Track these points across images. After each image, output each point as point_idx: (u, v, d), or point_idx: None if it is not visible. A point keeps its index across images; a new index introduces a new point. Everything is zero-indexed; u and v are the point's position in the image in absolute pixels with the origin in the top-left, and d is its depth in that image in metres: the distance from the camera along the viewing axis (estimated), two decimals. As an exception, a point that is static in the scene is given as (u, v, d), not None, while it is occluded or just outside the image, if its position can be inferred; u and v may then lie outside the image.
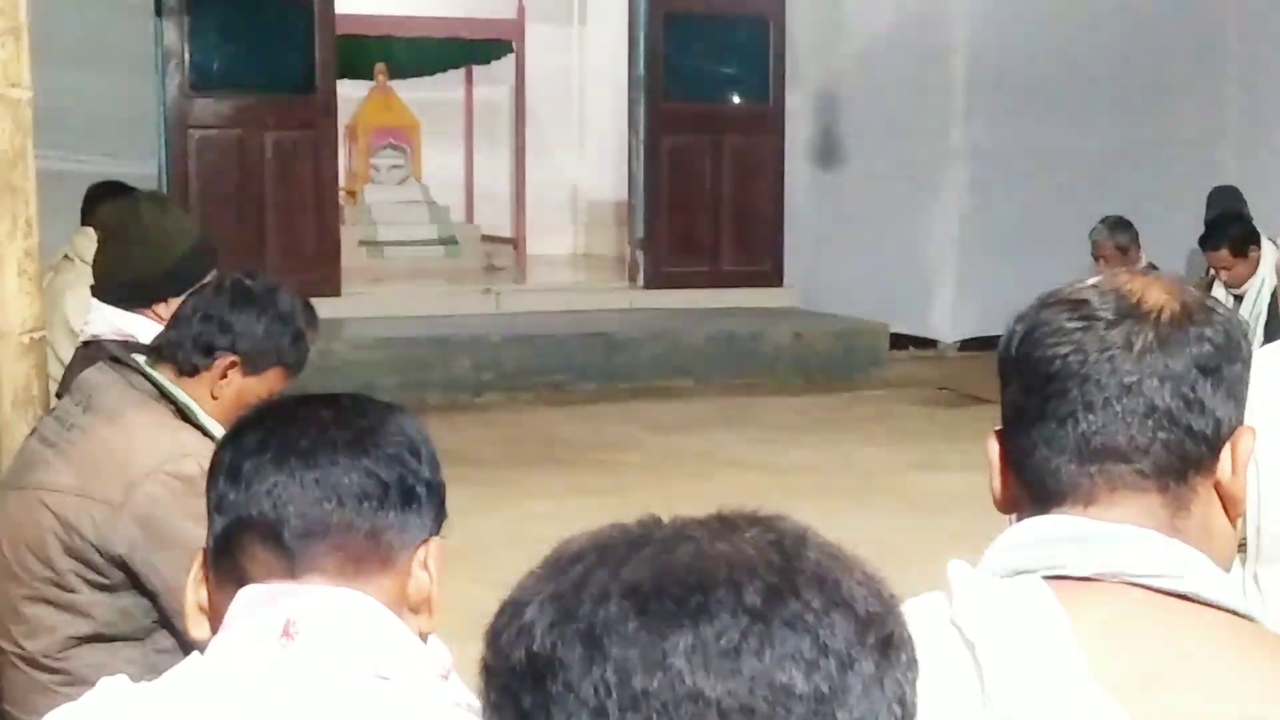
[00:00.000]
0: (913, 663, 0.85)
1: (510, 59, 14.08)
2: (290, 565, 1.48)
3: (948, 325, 11.12)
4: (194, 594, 1.53)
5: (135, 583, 2.57)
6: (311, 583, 1.47)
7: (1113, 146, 10.92)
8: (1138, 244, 7.91)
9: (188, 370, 2.72)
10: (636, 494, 6.59)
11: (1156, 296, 1.32)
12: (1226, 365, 1.31)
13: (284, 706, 1.37)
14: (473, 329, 9.91)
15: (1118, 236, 7.88)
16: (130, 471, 2.57)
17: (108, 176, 5.95)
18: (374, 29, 13.08)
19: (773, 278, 11.59)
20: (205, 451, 1.83)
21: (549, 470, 7.40)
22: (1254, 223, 7.64)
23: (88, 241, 4.46)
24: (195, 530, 1.76)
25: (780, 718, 0.79)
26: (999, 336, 1.39)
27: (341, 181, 11.98)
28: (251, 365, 2.73)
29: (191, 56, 10.23)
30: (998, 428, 1.39)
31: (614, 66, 12.72)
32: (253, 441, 1.54)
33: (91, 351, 3.19)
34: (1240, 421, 1.33)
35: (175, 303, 3.00)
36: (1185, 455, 1.30)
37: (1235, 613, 1.26)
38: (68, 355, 3.90)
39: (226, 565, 1.50)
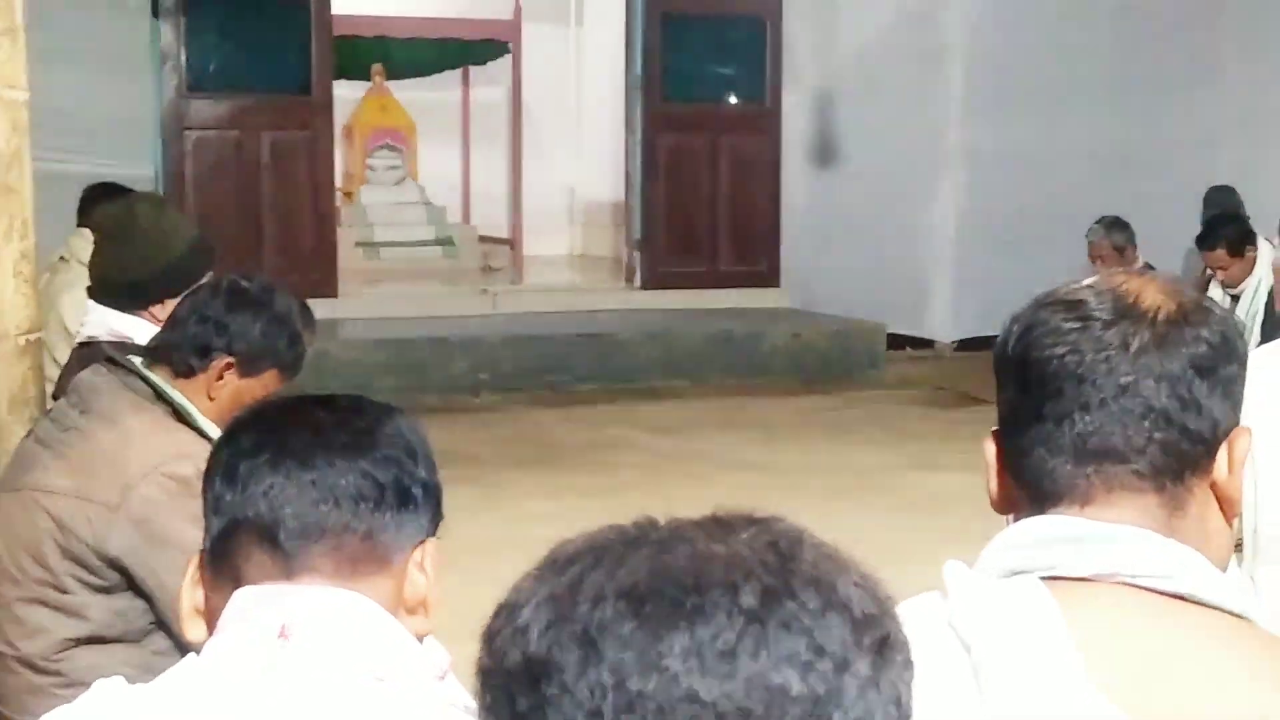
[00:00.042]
0: (909, 664, 0.85)
1: (507, 60, 14.08)
2: (286, 567, 1.48)
3: (945, 326, 11.13)
4: (190, 595, 1.53)
5: (131, 584, 2.57)
6: (308, 584, 1.47)
7: (1109, 147, 10.93)
8: (1134, 244, 7.91)
9: (184, 372, 2.72)
10: (633, 495, 6.59)
11: (1153, 297, 1.32)
12: (1223, 365, 1.31)
13: (280, 708, 1.37)
14: (469, 330, 9.91)
15: (1114, 236, 7.88)
16: (127, 473, 2.57)
17: (104, 178, 5.96)
18: (370, 30, 13.08)
19: (770, 278, 11.60)
20: (201, 453, 1.83)
21: (546, 471, 7.40)
22: (1250, 223, 7.64)
23: (84, 243, 4.46)
24: (192, 532, 1.76)
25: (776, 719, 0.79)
26: (996, 337, 1.39)
27: (338, 182, 11.98)
28: (248, 367, 2.73)
29: (188, 57, 10.24)
30: (994, 428, 1.39)
31: (611, 67, 12.73)
32: (249, 443, 1.54)
33: (88, 353, 3.19)
34: (1237, 422, 1.33)
35: (172, 304, 3.00)
36: (1182, 455, 1.30)
37: (1232, 613, 1.26)
38: (64, 357, 3.90)
39: (223, 567, 1.50)
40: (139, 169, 9.43)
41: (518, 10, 13.90)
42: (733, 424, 8.71)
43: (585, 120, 15.20)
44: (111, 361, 2.76)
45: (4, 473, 2.88)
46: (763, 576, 0.82)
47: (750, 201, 11.57)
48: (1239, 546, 2.43)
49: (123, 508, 2.55)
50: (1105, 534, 1.28)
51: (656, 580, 0.81)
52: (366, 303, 10.69)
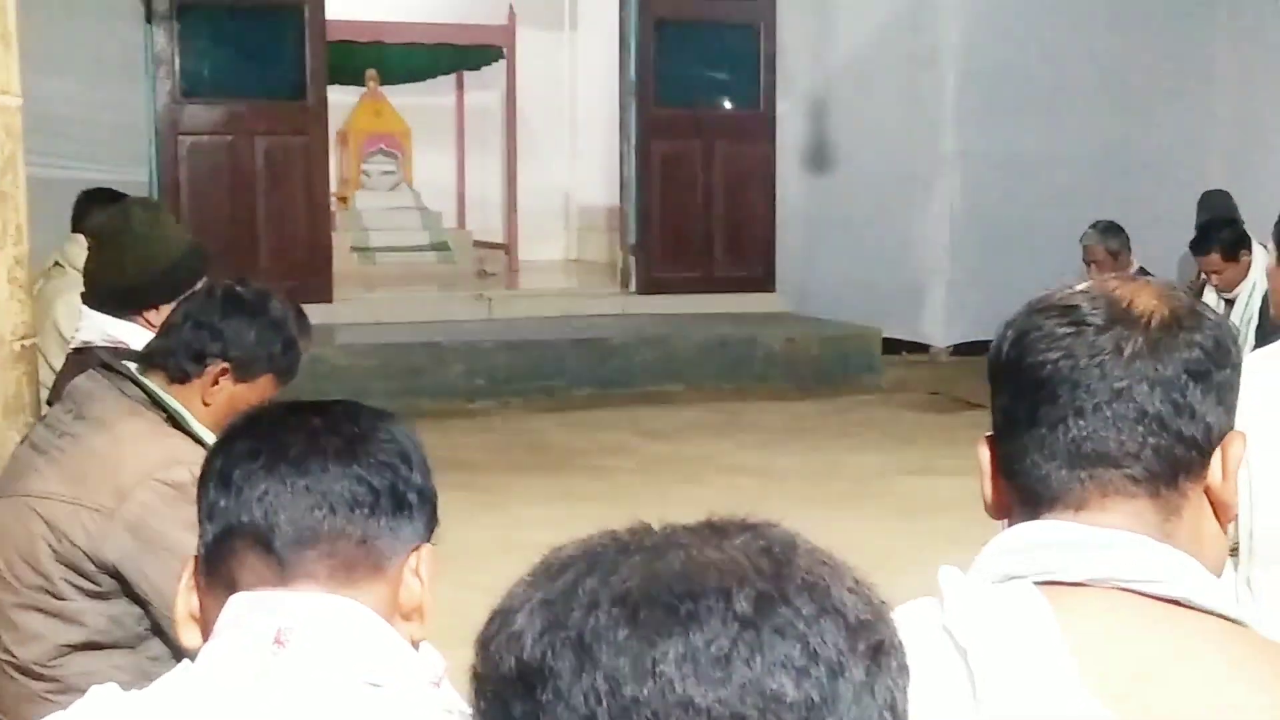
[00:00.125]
0: (904, 669, 0.85)
1: (501, 65, 14.10)
2: (281, 572, 1.48)
3: (940, 330, 11.14)
4: (185, 601, 1.53)
5: (127, 590, 2.57)
6: (303, 590, 1.47)
7: (1103, 151, 10.95)
8: (1129, 249, 7.91)
9: (179, 377, 2.72)
10: (629, 500, 6.59)
11: (1146, 302, 1.32)
12: (1216, 370, 1.31)
13: (276, 714, 1.36)
14: (465, 335, 9.91)
15: (1109, 241, 7.89)
16: (122, 479, 2.56)
17: (99, 183, 5.95)
18: (365, 35, 13.08)
19: (765, 283, 11.59)
20: (196, 459, 1.83)
21: (541, 476, 7.40)
22: (1245, 227, 7.64)
23: (78, 248, 4.46)
24: (187, 537, 1.75)
25: (771, 725, 0.79)
26: (991, 341, 1.39)
27: (333, 188, 11.97)
28: (243, 372, 2.73)
29: (182, 63, 10.22)
30: (989, 433, 1.39)
31: (605, 72, 12.72)
32: (244, 449, 1.54)
33: (83, 358, 3.19)
34: (1231, 426, 1.33)
35: (166, 309, 3.00)
36: (1176, 460, 1.30)
37: (1226, 618, 1.26)
38: (59, 362, 3.90)
39: (217, 572, 1.50)
40: (133, 174, 9.42)
41: (512, 16, 13.91)
42: (728, 429, 8.71)
43: (580, 125, 15.21)
44: (106, 367, 2.75)
45: (-1, 479, 2.88)
46: (757, 582, 0.82)
47: (745, 206, 11.57)
48: (1234, 551, 2.43)
49: (118, 513, 2.54)
50: (1099, 539, 1.28)
51: (651, 586, 0.81)
52: (362, 308, 10.68)
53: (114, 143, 9.52)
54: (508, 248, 14.10)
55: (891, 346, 10.78)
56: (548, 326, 10.34)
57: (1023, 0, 10.81)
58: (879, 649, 0.83)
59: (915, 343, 11.18)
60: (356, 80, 13.70)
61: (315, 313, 3.49)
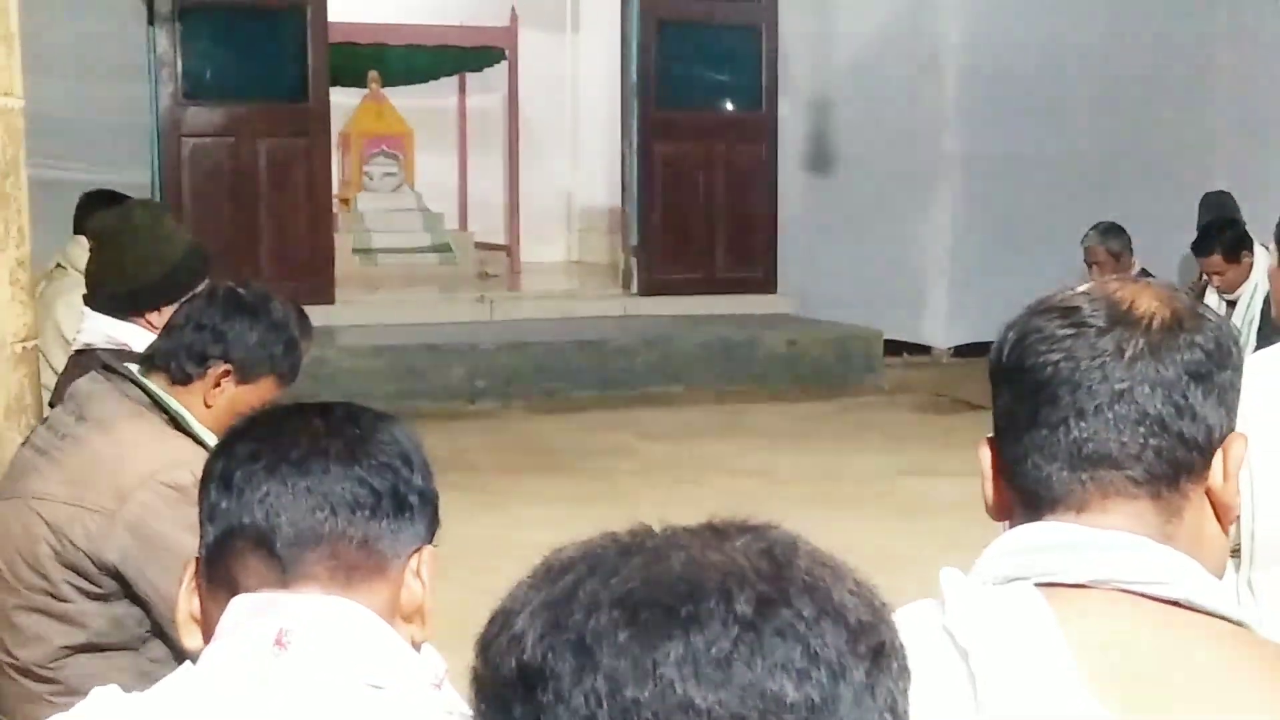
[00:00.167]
0: (904, 671, 0.85)
1: (503, 67, 14.09)
2: (282, 574, 1.48)
3: (941, 332, 11.14)
4: (186, 603, 1.53)
5: (128, 592, 2.57)
6: (304, 592, 1.47)
7: (1105, 152, 10.94)
8: (1130, 250, 7.92)
9: (180, 379, 2.72)
10: (630, 501, 6.59)
11: (1147, 303, 1.32)
12: (1217, 372, 1.31)
13: (276, 716, 1.37)
14: (466, 336, 9.91)
15: (1110, 242, 7.89)
16: (123, 480, 2.56)
17: (100, 185, 5.95)
18: (367, 37, 13.07)
19: (766, 284, 11.59)
20: (198, 460, 1.83)
21: (542, 478, 7.40)
22: (1246, 228, 7.64)
23: (80, 250, 4.46)
24: (188, 539, 1.76)
25: (771, 727, 0.79)
26: (992, 343, 1.39)
27: (335, 189, 11.97)
28: (244, 374, 2.73)
29: (184, 64, 10.22)
30: (990, 435, 1.39)
31: (607, 74, 12.72)
32: (245, 450, 1.54)
33: (84, 360, 3.19)
34: (1232, 428, 1.33)
35: (168, 311, 3.00)
36: (1177, 462, 1.30)
37: (1228, 619, 1.26)
38: (60, 364, 3.90)
39: (219, 574, 1.50)
40: (135, 176, 9.42)
41: (514, 18, 13.91)
42: (729, 430, 8.70)
43: (582, 127, 15.20)
44: (108, 369, 2.76)
45: (1, 481, 2.88)
46: (757, 584, 0.82)
47: (746, 208, 11.56)
48: (1235, 552, 2.43)
49: (119, 515, 2.55)
50: (1101, 541, 1.28)
51: (651, 588, 0.81)
52: (363, 309, 10.68)
53: (116, 144, 9.51)
54: (509, 249, 14.10)
55: (893, 348, 10.77)
56: (549, 328, 10.34)
57: (1023, 1, 10.81)
58: (880, 651, 0.83)
59: (917, 344, 11.18)
60: (358, 82, 13.70)
61: (317, 314, 3.49)
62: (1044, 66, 10.79)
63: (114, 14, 9.75)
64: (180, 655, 1.59)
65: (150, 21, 10.09)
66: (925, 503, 6.65)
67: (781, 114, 11.60)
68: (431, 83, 14.67)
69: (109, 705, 1.43)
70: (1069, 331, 1.31)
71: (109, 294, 3.44)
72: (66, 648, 2.60)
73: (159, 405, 2.69)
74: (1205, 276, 7.45)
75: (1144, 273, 7.27)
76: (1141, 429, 1.29)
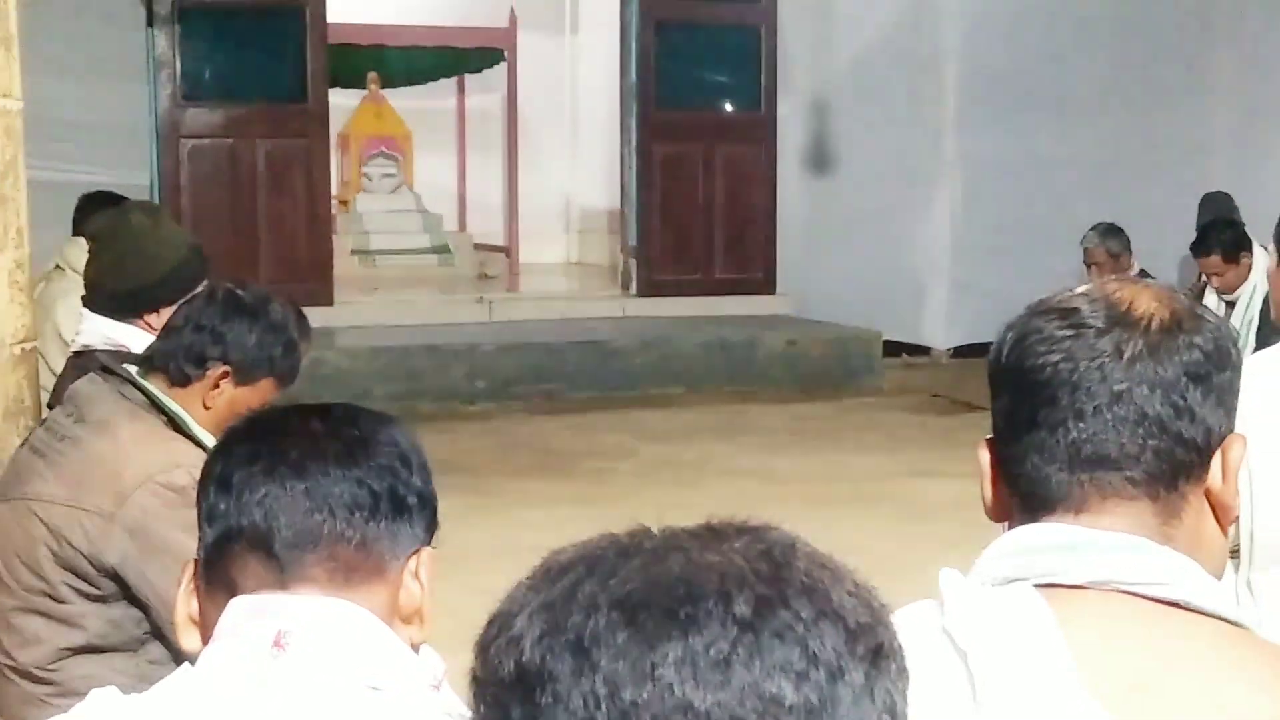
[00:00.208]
0: (903, 672, 0.85)
1: (502, 68, 14.09)
2: (281, 576, 1.47)
3: (940, 333, 11.15)
4: (185, 605, 1.53)
5: (127, 593, 2.57)
6: (302, 593, 1.47)
7: (1104, 153, 10.95)
8: (1129, 250, 7.92)
9: (179, 380, 2.72)
10: (629, 503, 6.58)
11: (1146, 304, 1.32)
12: (1216, 373, 1.31)
13: (275, 718, 1.36)
14: (465, 337, 9.91)
15: (1109, 243, 7.90)
16: (122, 482, 2.56)
17: (99, 186, 5.95)
18: (366, 38, 13.08)
19: (765, 285, 11.59)
20: (197, 462, 1.83)
21: (541, 479, 7.40)
22: (1245, 228, 7.65)
23: (79, 251, 4.46)
24: (187, 541, 1.76)
25: (770, 729, 0.79)
26: (991, 344, 1.39)
27: (334, 190, 11.98)
28: (243, 375, 2.73)
29: (183, 66, 10.23)
30: (989, 436, 1.39)
31: (606, 75, 12.73)
32: (244, 452, 1.54)
33: (83, 361, 3.19)
34: (1231, 429, 1.33)
35: (167, 313, 3.00)
36: (1176, 463, 1.30)
37: (1227, 620, 1.26)
38: (59, 365, 3.89)
39: (217, 576, 1.50)
40: (134, 177, 9.43)
41: (513, 19, 13.91)
42: (729, 431, 8.71)
43: (580, 128, 15.21)
44: (107, 370, 2.75)
45: (-1, 482, 2.88)
46: (756, 585, 0.82)
47: (746, 209, 11.57)
48: (1234, 553, 2.43)
49: (118, 517, 2.54)
50: (1100, 542, 1.28)
51: (650, 590, 0.81)
52: (362, 311, 10.68)
53: (115, 146, 9.52)
54: (508, 250, 14.10)
55: (892, 349, 10.78)
56: (548, 329, 10.34)
57: (1024, 3, 10.81)
58: (878, 652, 0.83)
59: (916, 345, 11.19)
60: (357, 83, 13.70)
61: (316, 315, 3.49)
62: (1044, 68, 10.79)
63: (113, 15, 9.75)
64: (179, 657, 1.59)
65: (149, 23, 10.10)
66: (924, 503, 6.66)
67: (781, 114, 11.61)
68: (430, 84, 14.68)
69: (108, 707, 1.43)
70: (1068, 332, 1.31)
71: (108, 295, 3.44)
72: (65, 649, 2.60)
73: (158, 407, 2.69)
74: (1204, 277, 7.45)
75: (1143, 273, 7.28)
76: (1140, 430, 1.29)
